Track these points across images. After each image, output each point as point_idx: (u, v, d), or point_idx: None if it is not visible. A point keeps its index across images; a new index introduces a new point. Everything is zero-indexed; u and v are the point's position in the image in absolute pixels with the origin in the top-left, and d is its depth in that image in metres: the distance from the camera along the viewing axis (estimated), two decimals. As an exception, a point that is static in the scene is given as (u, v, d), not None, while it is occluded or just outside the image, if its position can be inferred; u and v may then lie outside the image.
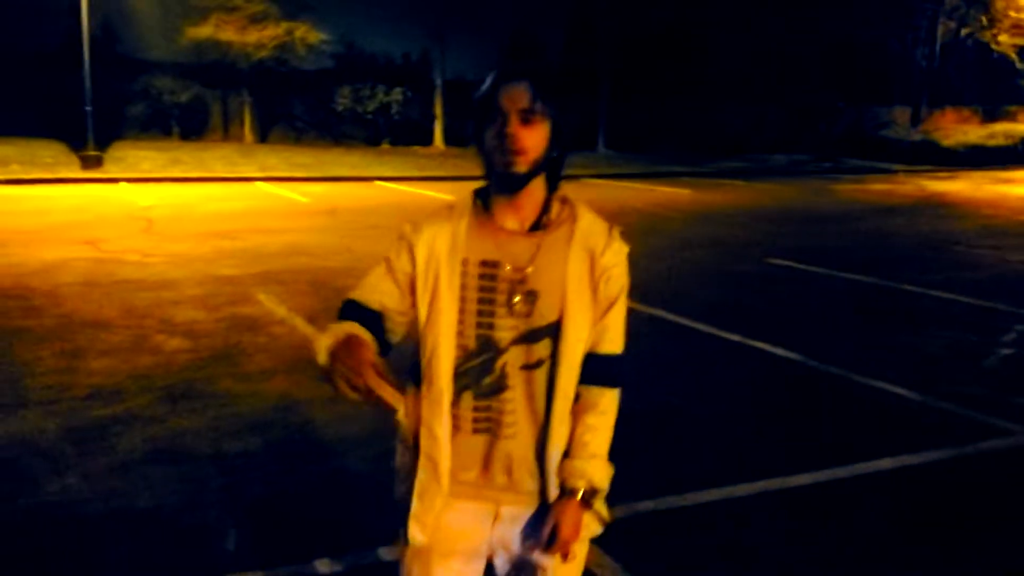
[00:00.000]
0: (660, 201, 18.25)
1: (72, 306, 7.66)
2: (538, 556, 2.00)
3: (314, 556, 3.56)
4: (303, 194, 18.10)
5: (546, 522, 1.95)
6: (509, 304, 1.92)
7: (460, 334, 1.94)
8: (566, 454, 1.97)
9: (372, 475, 4.22)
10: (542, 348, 1.94)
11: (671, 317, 7.76)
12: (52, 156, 22.47)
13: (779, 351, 6.78)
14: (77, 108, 21.82)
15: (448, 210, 2.02)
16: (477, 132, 1.93)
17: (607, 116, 34.75)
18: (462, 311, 1.94)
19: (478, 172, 1.98)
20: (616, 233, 2.00)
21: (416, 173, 22.40)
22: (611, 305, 1.98)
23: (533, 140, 1.87)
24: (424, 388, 1.97)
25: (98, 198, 16.49)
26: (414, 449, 1.99)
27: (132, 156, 23.44)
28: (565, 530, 1.93)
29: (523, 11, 36.97)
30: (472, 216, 1.99)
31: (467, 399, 1.96)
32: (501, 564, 2.07)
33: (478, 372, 1.95)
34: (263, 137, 33.73)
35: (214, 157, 24.70)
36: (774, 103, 37.56)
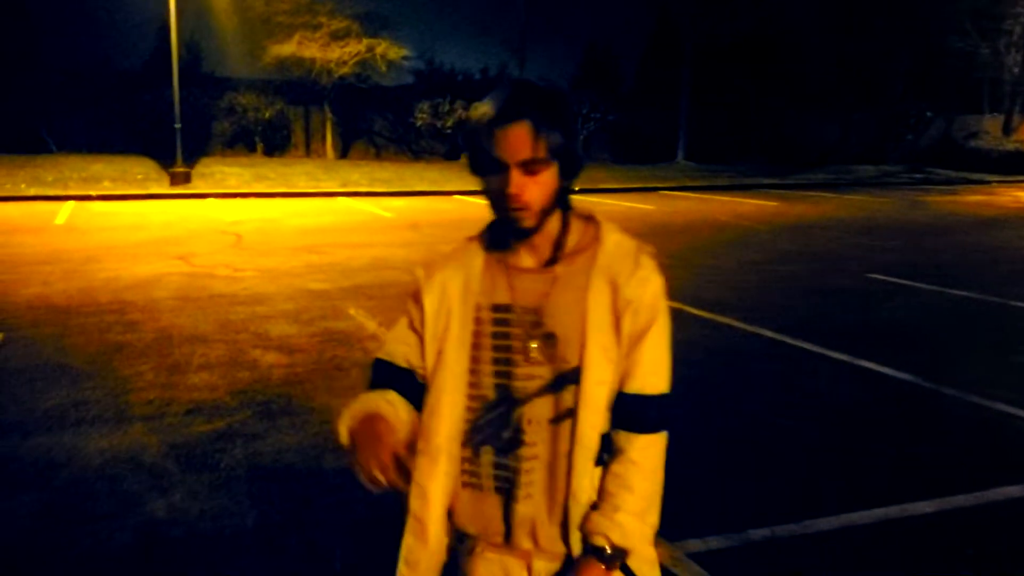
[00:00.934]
0: (747, 214, 17.87)
1: (168, 320, 7.73)
2: None
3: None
4: (385, 209, 18.21)
5: None
6: (525, 351, 1.73)
7: (477, 385, 1.77)
8: (594, 507, 1.74)
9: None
10: (568, 397, 1.72)
11: (773, 335, 7.50)
12: (142, 172, 23.04)
13: (889, 371, 6.48)
14: (165, 125, 22.42)
15: (464, 247, 1.86)
16: (476, 169, 1.73)
17: (687, 127, 34.40)
18: (478, 360, 1.77)
19: None
20: (645, 258, 1.76)
21: (496, 187, 22.23)
22: (641, 337, 1.73)
23: (539, 191, 1.67)
24: (421, 442, 1.80)
25: (187, 213, 16.83)
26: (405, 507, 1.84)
27: (219, 172, 23.92)
28: None
29: (603, 24, 36.99)
30: (486, 255, 1.82)
31: (487, 454, 1.78)
32: None
33: (496, 425, 1.76)
34: (344, 153, 34.17)
35: (297, 173, 25.07)
36: (860, 113, 36.72)
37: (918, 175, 30.81)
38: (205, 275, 10.00)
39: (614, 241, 1.77)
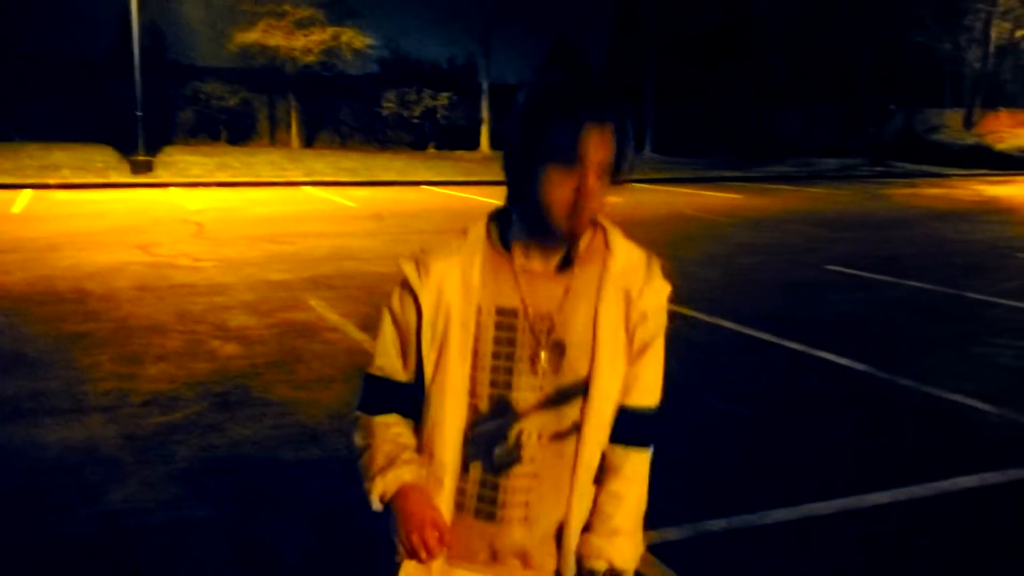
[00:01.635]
0: (711, 206, 18.02)
1: (127, 310, 7.66)
2: None
3: (380, 572, 3.44)
4: (350, 198, 18.12)
5: None
6: (532, 360, 1.61)
7: (472, 393, 1.64)
8: (587, 527, 1.67)
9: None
10: (573, 410, 1.62)
11: (733, 326, 7.58)
12: (103, 161, 22.75)
13: (846, 361, 6.57)
14: (127, 114, 22.11)
15: (459, 240, 1.68)
16: (525, 162, 1.54)
17: (654, 119, 34.53)
18: (474, 367, 1.63)
19: None
20: (656, 267, 1.67)
21: (462, 177, 22.29)
22: (645, 349, 1.66)
23: (599, 201, 1.55)
24: (424, 459, 1.68)
25: (149, 203, 16.64)
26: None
27: (181, 161, 23.68)
28: None
29: (569, 14, 37.01)
30: (487, 251, 1.66)
31: (475, 471, 1.67)
32: None
33: (488, 440, 1.64)
34: (309, 142, 33.94)
35: (262, 162, 24.87)
36: (823, 106, 37.07)
37: (879, 168, 31.16)
38: (165, 265, 9.91)
39: (624, 249, 1.67)
